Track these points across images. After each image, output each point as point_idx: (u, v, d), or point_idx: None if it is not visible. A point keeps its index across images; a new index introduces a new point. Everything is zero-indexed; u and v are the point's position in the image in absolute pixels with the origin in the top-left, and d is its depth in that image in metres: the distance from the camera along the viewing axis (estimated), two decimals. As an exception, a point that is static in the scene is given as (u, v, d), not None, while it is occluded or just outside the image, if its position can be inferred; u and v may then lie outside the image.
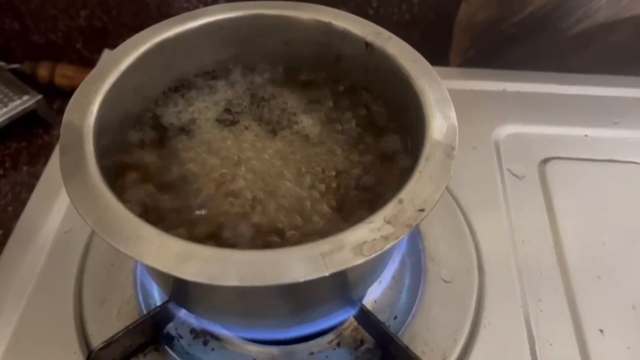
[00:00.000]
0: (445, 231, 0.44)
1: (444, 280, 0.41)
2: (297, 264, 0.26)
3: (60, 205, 0.45)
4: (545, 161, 0.50)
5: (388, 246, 0.27)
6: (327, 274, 0.26)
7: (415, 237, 0.44)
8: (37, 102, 0.61)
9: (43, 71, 0.66)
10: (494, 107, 0.54)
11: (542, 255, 0.43)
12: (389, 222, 0.28)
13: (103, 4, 0.65)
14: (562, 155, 0.50)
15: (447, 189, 0.46)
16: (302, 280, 0.26)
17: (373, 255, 0.27)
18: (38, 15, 0.66)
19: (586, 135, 0.52)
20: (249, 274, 0.25)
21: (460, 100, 0.54)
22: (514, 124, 0.53)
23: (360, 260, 0.26)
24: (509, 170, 0.49)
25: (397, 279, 0.42)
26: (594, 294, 0.41)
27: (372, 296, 0.40)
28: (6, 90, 0.62)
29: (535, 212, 0.46)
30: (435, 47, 0.63)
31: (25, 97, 0.61)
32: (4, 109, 0.59)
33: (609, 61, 0.60)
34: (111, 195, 0.28)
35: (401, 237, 0.27)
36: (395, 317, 0.40)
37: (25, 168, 0.59)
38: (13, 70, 0.65)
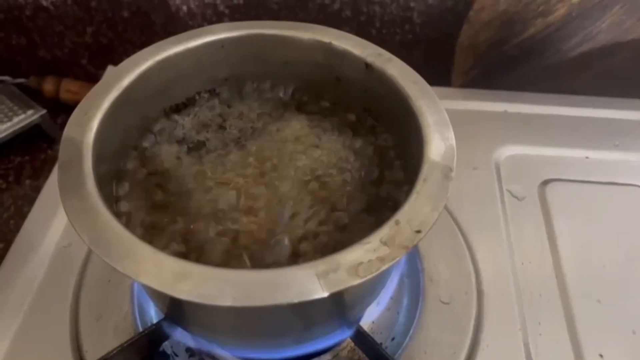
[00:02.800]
0: (445, 252, 0.44)
1: (443, 302, 0.41)
2: (293, 285, 0.26)
3: (60, 219, 0.45)
4: (545, 183, 0.50)
5: (384, 267, 0.27)
6: (322, 295, 0.26)
7: (415, 258, 0.43)
8: (42, 116, 0.61)
9: (48, 86, 0.66)
10: (495, 128, 0.54)
11: (542, 277, 0.43)
12: (385, 243, 0.28)
13: (109, 21, 0.66)
14: (562, 177, 0.50)
15: (447, 209, 0.46)
16: (296, 301, 0.25)
17: (369, 277, 0.26)
18: (45, 31, 0.67)
19: (587, 158, 0.52)
20: (243, 294, 0.25)
21: (461, 120, 0.54)
22: (515, 145, 0.53)
23: (356, 282, 0.26)
24: (509, 191, 0.49)
25: (396, 299, 0.41)
26: (594, 318, 0.41)
27: (370, 317, 0.40)
28: (11, 104, 0.62)
29: (535, 234, 0.46)
30: (438, 67, 0.64)
31: (30, 112, 0.61)
32: (9, 123, 0.60)
33: (611, 83, 0.60)
34: (108, 212, 0.28)
35: (397, 259, 0.27)
36: (392, 339, 0.39)
37: (27, 182, 0.59)
38: (19, 85, 0.66)
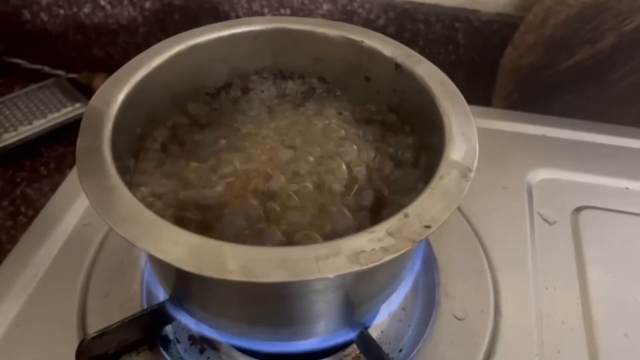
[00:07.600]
0: (464, 267, 0.42)
1: (457, 317, 0.39)
2: (290, 264, 0.25)
3: (84, 198, 0.46)
4: (579, 209, 0.47)
5: (387, 258, 0.26)
6: (317, 277, 0.25)
7: (432, 271, 0.42)
8: (88, 110, 0.63)
9: (98, 82, 0.68)
10: (531, 150, 0.52)
11: (566, 304, 0.40)
12: (391, 234, 0.27)
13: (161, 23, 0.68)
14: (598, 205, 0.47)
15: (471, 225, 0.45)
16: (288, 280, 0.25)
17: (369, 266, 0.25)
18: (100, 29, 0.69)
19: (627, 188, 0.49)
20: (240, 269, 0.25)
21: (497, 140, 0.53)
22: (551, 168, 0.50)
23: (355, 269, 0.25)
24: (539, 214, 0.47)
25: (408, 311, 0.40)
26: (618, 352, 0.38)
27: (380, 326, 0.39)
28: (61, 97, 0.65)
29: (563, 260, 0.43)
30: (480, 90, 0.63)
31: (77, 105, 0.63)
32: (56, 114, 0.62)
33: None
34: (118, 177, 0.29)
35: (402, 251, 0.26)
36: (400, 350, 0.38)
37: (67, 171, 0.60)
38: (71, 79, 0.68)
